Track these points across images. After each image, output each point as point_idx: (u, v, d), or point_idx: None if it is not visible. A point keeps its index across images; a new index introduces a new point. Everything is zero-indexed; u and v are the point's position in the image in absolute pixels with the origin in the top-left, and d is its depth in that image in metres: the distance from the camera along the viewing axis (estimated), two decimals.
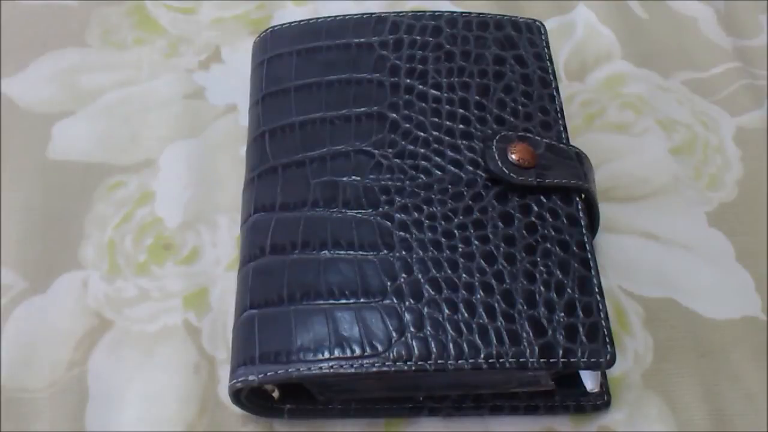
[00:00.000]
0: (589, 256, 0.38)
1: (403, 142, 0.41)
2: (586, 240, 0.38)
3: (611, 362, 0.35)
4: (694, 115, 0.53)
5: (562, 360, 0.35)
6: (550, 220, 0.39)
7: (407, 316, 0.36)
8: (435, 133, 0.41)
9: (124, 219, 0.47)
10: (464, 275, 0.37)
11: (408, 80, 0.43)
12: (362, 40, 0.45)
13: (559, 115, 0.42)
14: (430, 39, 0.45)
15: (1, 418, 0.40)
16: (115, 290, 0.44)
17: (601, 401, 0.40)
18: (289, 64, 0.45)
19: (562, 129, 0.42)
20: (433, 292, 0.36)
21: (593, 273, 0.37)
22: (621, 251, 0.46)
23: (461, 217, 0.38)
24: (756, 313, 0.44)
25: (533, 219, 0.38)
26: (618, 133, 0.51)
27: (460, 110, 0.42)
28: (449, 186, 0.40)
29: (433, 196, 0.39)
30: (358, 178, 0.40)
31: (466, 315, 0.36)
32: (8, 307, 0.43)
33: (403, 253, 0.38)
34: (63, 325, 0.43)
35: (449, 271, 0.37)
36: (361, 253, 0.38)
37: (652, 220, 0.47)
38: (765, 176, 0.50)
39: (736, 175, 0.50)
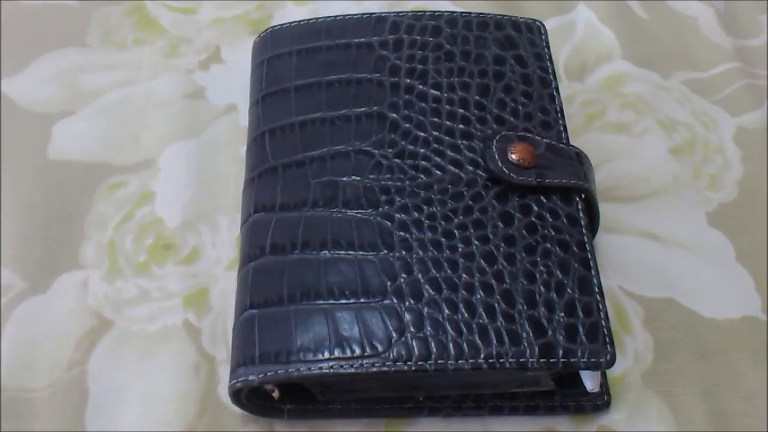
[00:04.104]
0: (589, 256, 0.38)
1: (403, 142, 0.41)
2: (586, 240, 0.38)
3: (611, 362, 0.35)
4: (694, 115, 0.53)
5: (562, 360, 0.35)
6: (550, 220, 0.39)
7: (407, 316, 0.36)
8: (435, 133, 0.41)
9: (124, 219, 0.47)
10: (464, 275, 0.37)
11: (408, 80, 0.43)
12: (362, 40, 0.45)
13: (559, 115, 0.42)
14: (430, 39, 0.45)
15: (1, 418, 0.40)
16: (115, 290, 0.44)
17: (601, 401, 0.40)
18: (289, 64, 0.45)
19: (562, 129, 0.42)
20: (433, 292, 0.36)
21: (593, 273, 0.37)
22: (621, 251, 0.46)
23: (461, 217, 0.38)
24: (756, 313, 0.44)
25: (533, 219, 0.38)
26: (618, 133, 0.52)
27: (460, 110, 0.42)
28: (449, 186, 0.40)
29: (433, 196, 0.39)
30: (358, 178, 0.40)
31: (466, 315, 0.36)
32: (8, 307, 0.43)
33: (403, 253, 0.38)
34: (63, 325, 0.43)
35: (449, 271, 0.37)
36: (361, 253, 0.38)
37: (652, 220, 0.47)
38: (765, 176, 0.50)
39: (736, 175, 0.50)
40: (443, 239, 0.38)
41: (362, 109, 0.42)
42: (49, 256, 0.45)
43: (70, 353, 0.42)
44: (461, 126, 0.41)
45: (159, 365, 0.42)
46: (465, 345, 0.35)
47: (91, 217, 0.47)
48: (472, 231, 0.38)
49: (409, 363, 0.35)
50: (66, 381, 0.41)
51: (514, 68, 0.44)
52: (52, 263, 0.45)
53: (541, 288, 0.36)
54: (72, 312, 0.43)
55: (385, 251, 0.38)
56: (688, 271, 0.46)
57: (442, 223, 0.38)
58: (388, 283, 0.37)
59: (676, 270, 0.46)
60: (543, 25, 0.46)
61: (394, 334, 0.36)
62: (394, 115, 0.42)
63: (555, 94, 0.43)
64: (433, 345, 0.35)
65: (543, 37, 0.46)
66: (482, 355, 0.35)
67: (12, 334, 0.42)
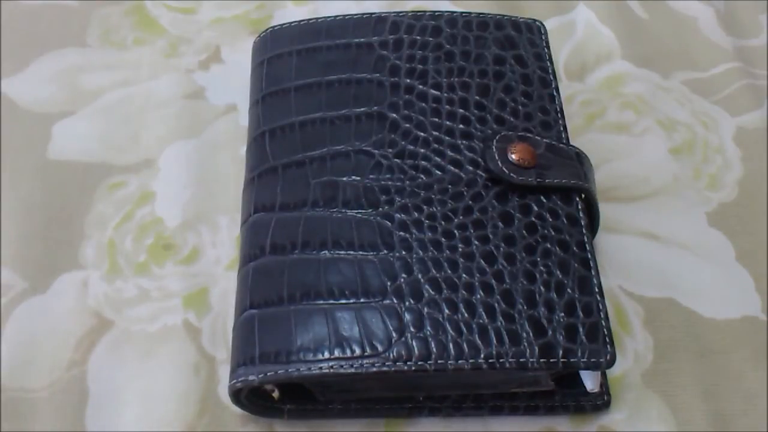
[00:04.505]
0: (589, 256, 0.38)
1: (403, 142, 0.41)
2: (586, 240, 0.38)
3: (611, 362, 0.35)
4: (694, 115, 0.53)
5: (562, 360, 0.35)
6: (550, 220, 0.38)
7: (407, 316, 0.36)
8: (435, 133, 0.41)
9: (124, 219, 0.47)
10: (464, 275, 0.37)
11: (408, 80, 0.43)
12: (362, 40, 0.45)
13: (559, 115, 0.42)
14: (430, 39, 0.45)
15: (1, 418, 0.40)
16: (115, 290, 0.44)
17: (601, 401, 0.40)
18: (289, 64, 0.45)
19: (562, 129, 0.42)
20: (433, 292, 0.36)
21: (593, 273, 0.37)
22: (621, 251, 0.46)
23: (461, 217, 0.38)
24: (756, 313, 0.44)
25: (533, 219, 0.38)
26: (618, 133, 0.51)
27: (460, 110, 0.42)
28: (449, 186, 0.39)
29: (433, 196, 0.39)
30: (358, 178, 0.40)
31: (466, 315, 0.36)
32: (8, 307, 0.43)
33: (403, 253, 0.38)
34: (63, 325, 0.43)
35: (449, 271, 0.37)
36: (361, 253, 0.38)
37: (652, 220, 0.47)
38: (765, 176, 0.50)
39: (736, 175, 0.50)
40: (443, 239, 0.38)
41: (362, 109, 0.42)
42: (49, 256, 0.45)
43: (70, 353, 0.42)
44: (461, 126, 0.41)
45: (159, 365, 0.42)
46: (465, 345, 0.35)
47: (91, 217, 0.47)
48: (472, 231, 0.38)
49: (409, 363, 0.35)
50: (66, 381, 0.41)
51: (514, 68, 0.44)
52: (52, 263, 0.45)
53: (541, 288, 0.36)
54: (72, 312, 0.43)
55: (385, 251, 0.38)
56: (688, 271, 0.46)
57: (442, 223, 0.38)
58: (388, 283, 0.37)
59: (676, 270, 0.46)
60: (543, 25, 0.46)
61: (394, 334, 0.36)
62: (394, 115, 0.42)
63: (555, 94, 0.43)
64: (433, 345, 0.35)
65: (543, 37, 0.46)
66: (482, 355, 0.35)
67: (12, 334, 0.42)
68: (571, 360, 0.35)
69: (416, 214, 0.39)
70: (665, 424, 0.40)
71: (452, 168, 0.40)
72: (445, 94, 0.43)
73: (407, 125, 0.42)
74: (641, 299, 0.44)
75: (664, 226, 0.47)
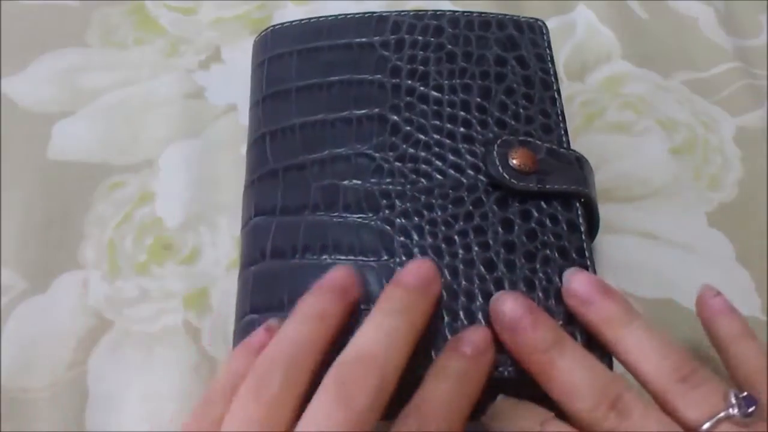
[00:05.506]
0: (588, 263, 0.37)
1: (404, 146, 0.41)
2: (585, 246, 0.38)
3: (610, 368, 0.35)
4: (694, 115, 0.53)
5: None
6: (550, 226, 0.38)
7: None
8: (436, 136, 0.41)
9: (124, 219, 0.47)
10: (464, 282, 0.36)
11: (409, 82, 0.43)
12: (363, 40, 0.45)
13: (560, 118, 0.42)
14: (432, 39, 0.44)
15: (1, 418, 0.40)
16: (115, 290, 0.44)
17: None
18: (290, 65, 0.45)
19: (563, 132, 0.41)
20: None
21: None
22: (621, 251, 0.46)
23: (462, 223, 0.38)
24: (756, 314, 0.44)
25: (533, 225, 0.38)
26: (618, 133, 0.51)
27: (462, 113, 0.42)
28: (450, 191, 0.39)
29: (433, 201, 0.39)
30: (359, 182, 0.40)
31: (465, 323, 0.35)
32: (8, 307, 0.43)
33: (404, 259, 0.37)
34: (63, 325, 0.43)
35: (449, 278, 0.36)
36: (362, 258, 0.37)
37: (652, 220, 0.47)
38: (765, 176, 0.50)
39: (736, 175, 0.50)
40: (444, 245, 0.37)
41: (363, 111, 0.42)
42: (49, 256, 0.45)
43: (70, 353, 0.42)
44: (462, 129, 0.41)
45: (159, 365, 0.42)
46: None
47: (90, 217, 0.47)
48: (472, 237, 0.38)
49: None
50: (66, 381, 0.41)
51: (516, 70, 0.43)
52: (52, 263, 0.45)
53: (540, 296, 0.36)
54: (72, 312, 0.43)
55: (386, 257, 0.37)
56: (687, 271, 0.46)
57: (443, 228, 0.38)
58: None
59: (675, 270, 0.46)
60: (545, 24, 0.46)
61: None
62: (395, 117, 0.42)
63: (556, 96, 0.43)
64: (433, 353, 0.35)
65: (545, 37, 0.45)
66: None
67: (12, 334, 0.42)
68: None
69: (417, 219, 0.38)
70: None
71: (453, 172, 0.40)
72: (447, 97, 0.42)
73: (408, 128, 0.41)
74: (641, 299, 0.44)
75: (664, 226, 0.47)
